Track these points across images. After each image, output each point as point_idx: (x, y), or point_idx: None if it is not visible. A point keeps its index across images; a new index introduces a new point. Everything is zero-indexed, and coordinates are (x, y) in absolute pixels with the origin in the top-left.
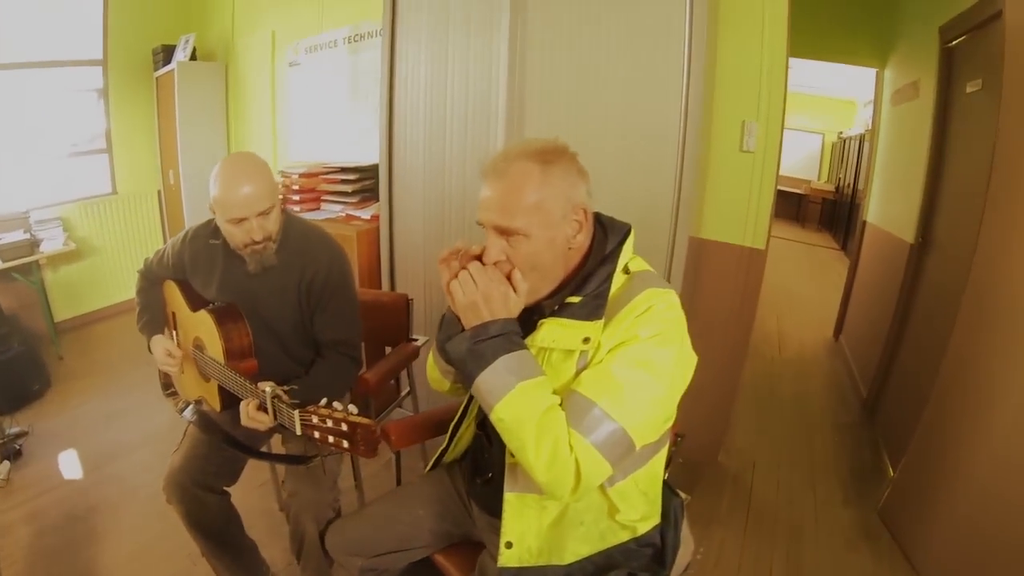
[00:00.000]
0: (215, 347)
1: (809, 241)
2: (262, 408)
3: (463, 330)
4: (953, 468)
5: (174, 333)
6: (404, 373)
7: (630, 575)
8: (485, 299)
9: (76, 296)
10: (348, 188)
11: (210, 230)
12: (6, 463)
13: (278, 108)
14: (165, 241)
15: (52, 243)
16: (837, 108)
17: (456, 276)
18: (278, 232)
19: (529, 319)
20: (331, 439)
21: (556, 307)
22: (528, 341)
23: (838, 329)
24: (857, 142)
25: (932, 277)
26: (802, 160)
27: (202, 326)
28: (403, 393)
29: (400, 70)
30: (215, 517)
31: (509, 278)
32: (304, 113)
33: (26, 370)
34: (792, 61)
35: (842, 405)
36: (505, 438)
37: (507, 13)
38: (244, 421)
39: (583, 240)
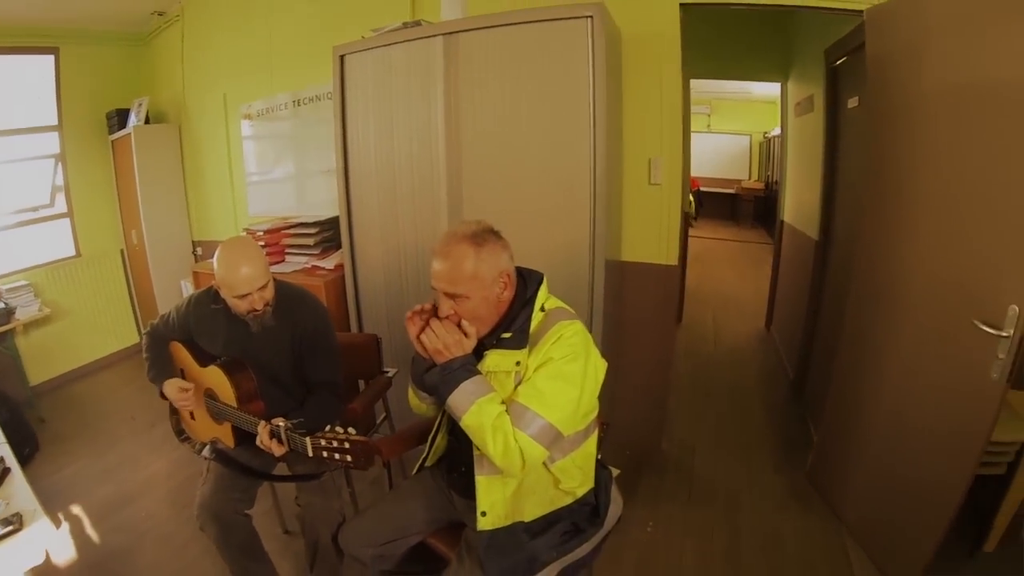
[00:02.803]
0: (227, 394)
1: (743, 239)
2: (275, 437)
3: (432, 367)
4: (858, 428)
5: None
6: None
7: (574, 524)
8: (445, 345)
9: (49, 358)
10: (310, 240)
11: (210, 296)
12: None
13: (234, 165)
14: (132, 297)
15: (27, 309)
16: (761, 110)
17: (423, 331)
18: (273, 298)
19: (478, 351)
20: (336, 456)
21: (495, 341)
22: (479, 367)
23: (768, 320)
24: (780, 142)
25: (834, 269)
26: (732, 161)
27: (213, 378)
28: (380, 419)
29: (351, 136)
30: (243, 536)
31: (460, 325)
32: (258, 169)
33: (15, 436)
34: None
35: (773, 387)
36: (471, 438)
37: (441, 85)
38: (259, 443)
39: (509, 294)
